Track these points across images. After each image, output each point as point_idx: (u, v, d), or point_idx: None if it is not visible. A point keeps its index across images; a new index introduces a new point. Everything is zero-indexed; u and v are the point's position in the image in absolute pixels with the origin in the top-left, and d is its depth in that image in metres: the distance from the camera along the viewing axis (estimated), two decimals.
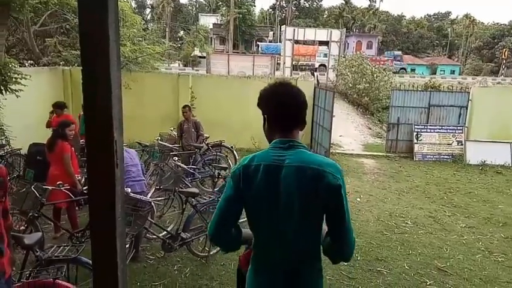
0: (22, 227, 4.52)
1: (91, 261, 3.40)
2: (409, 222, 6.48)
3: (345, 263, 4.99)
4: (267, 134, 1.89)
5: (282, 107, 1.81)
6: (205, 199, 4.89)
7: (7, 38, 13.95)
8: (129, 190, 4.20)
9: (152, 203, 4.28)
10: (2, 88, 6.64)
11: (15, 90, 6.86)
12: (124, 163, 4.00)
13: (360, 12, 63.02)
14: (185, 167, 5.85)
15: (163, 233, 4.61)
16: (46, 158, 5.26)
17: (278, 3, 64.03)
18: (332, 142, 12.17)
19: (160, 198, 5.01)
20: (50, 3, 11.44)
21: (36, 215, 4.22)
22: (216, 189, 5.91)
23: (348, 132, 13.87)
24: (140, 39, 15.32)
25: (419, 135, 11.17)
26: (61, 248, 3.47)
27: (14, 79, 6.79)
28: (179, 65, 35.98)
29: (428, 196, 7.96)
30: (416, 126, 11.27)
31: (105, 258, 1.44)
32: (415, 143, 11.11)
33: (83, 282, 3.75)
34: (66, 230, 4.69)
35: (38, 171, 5.29)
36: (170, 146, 6.97)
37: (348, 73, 18.37)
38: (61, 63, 11.85)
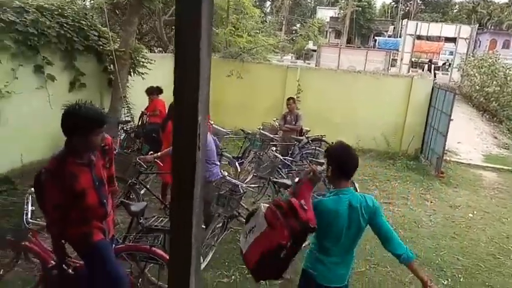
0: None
1: None
2: None
3: (444, 282, 4.55)
4: (331, 178, 2.62)
5: (349, 165, 2.57)
6: None
7: (142, 26, 15.63)
8: (226, 174, 4.39)
9: (243, 188, 4.41)
10: (131, 70, 7.48)
11: (142, 73, 7.67)
12: (207, 146, 4.11)
13: (498, 7, 55.67)
14: (281, 158, 5.90)
15: None
16: (160, 137, 5.80)
17: None
18: (447, 149, 11.09)
19: (253, 185, 5.13)
20: None
21: (134, 182, 4.73)
22: None
23: (469, 139, 12.44)
24: (258, 31, 15.88)
25: None
26: (161, 219, 3.80)
27: (141, 63, 7.59)
28: (291, 57, 36.25)
29: None
30: None
31: (181, 235, 1.52)
32: None
33: None
34: (160, 201, 5.12)
35: (152, 148, 5.86)
36: (271, 136, 7.09)
37: (476, 74, 16.44)
38: None
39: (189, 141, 1.40)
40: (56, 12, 6.74)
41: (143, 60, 7.62)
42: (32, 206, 3.34)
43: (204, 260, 4.37)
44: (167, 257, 3.39)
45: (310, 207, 2.33)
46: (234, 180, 4.32)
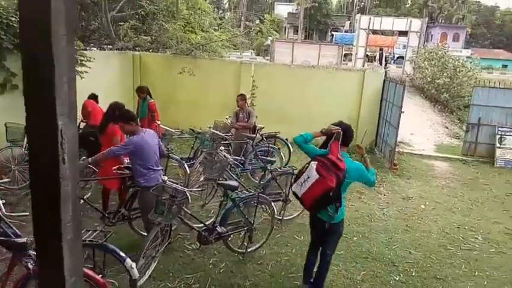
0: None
1: (117, 249, 3.23)
2: (479, 238, 5.67)
3: (396, 278, 4.48)
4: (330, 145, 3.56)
5: (346, 135, 3.60)
6: (246, 193, 4.63)
7: (90, 23, 14.88)
8: (166, 178, 4.08)
9: (187, 193, 4.12)
10: None
11: (80, 72, 7.15)
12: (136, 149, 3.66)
13: (448, 1, 58.06)
14: (229, 157, 5.63)
15: (199, 225, 4.45)
16: (98, 140, 5.38)
17: None
18: (400, 140, 11.23)
19: (195, 189, 4.85)
20: None
21: None
22: (262, 182, 5.62)
23: (421, 130, 12.74)
24: (216, 27, 15.52)
25: (502, 139, 9.87)
26: (90, 232, 3.44)
27: (79, 61, 7.08)
28: (251, 53, 36.07)
29: (507, 209, 6.94)
30: (500, 129, 9.97)
31: (51, 269, 1.23)
32: (497, 147, 9.84)
33: (111, 268, 3.72)
34: (98, 210, 4.73)
35: (90, 152, 5.42)
36: (222, 134, 6.81)
37: (427, 66, 16.89)
38: (137, 48, 12.21)
39: (49, 153, 1.11)
40: None
41: (81, 58, 7.10)
42: None
43: (145, 273, 4.05)
44: (94, 275, 3.06)
45: (342, 159, 3.43)
46: (174, 185, 4.01)
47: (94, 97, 6.83)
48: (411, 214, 6.35)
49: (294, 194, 3.68)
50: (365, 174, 3.62)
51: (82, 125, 6.84)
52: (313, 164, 3.41)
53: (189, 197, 4.28)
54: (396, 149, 9.70)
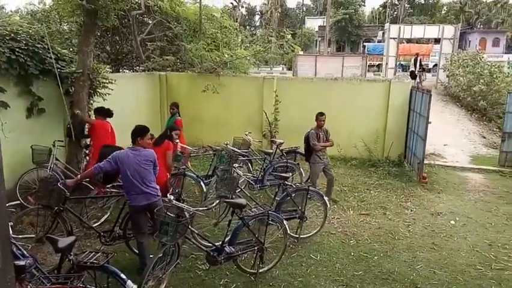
0: None
1: (118, 271, 3.21)
2: None
3: None
4: None
5: None
6: (256, 211, 4.52)
7: (122, 46, 15.43)
8: (172, 197, 4.06)
9: (194, 212, 4.07)
10: (92, 91, 7.20)
11: (103, 94, 7.38)
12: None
13: (486, 6, 55.98)
14: (240, 173, 5.57)
15: (208, 244, 4.38)
16: None
17: (389, 1, 60.36)
18: (432, 152, 10.76)
19: (201, 208, 4.78)
20: (152, 12, 12.26)
21: (61, 209, 4.45)
22: (276, 199, 5.48)
23: (456, 141, 12.11)
24: (248, 44, 15.57)
25: None
26: (92, 253, 3.46)
27: (102, 84, 7.31)
28: (282, 68, 36.30)
29: None
30: None
31: None
32: None
33: None
34: (94, 229, 4.82)
35: (105, 175, 5.52)
36: (239, 151, 6.76)
37: (462, 73, 16.20)
38: (167, 68, 12.50)
39: None
40: (8, 37, 6.49)
41: (104, 80, 7.33)
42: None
43: None
44: None
45: None
46: (180, 205, 3.99)
47: (103, 112, 6.87)
48: (439, 231, 5.97)
49: None
50: None
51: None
52: None
53: (194, 216, 4.22)
54: (427, 162, 9.28)
